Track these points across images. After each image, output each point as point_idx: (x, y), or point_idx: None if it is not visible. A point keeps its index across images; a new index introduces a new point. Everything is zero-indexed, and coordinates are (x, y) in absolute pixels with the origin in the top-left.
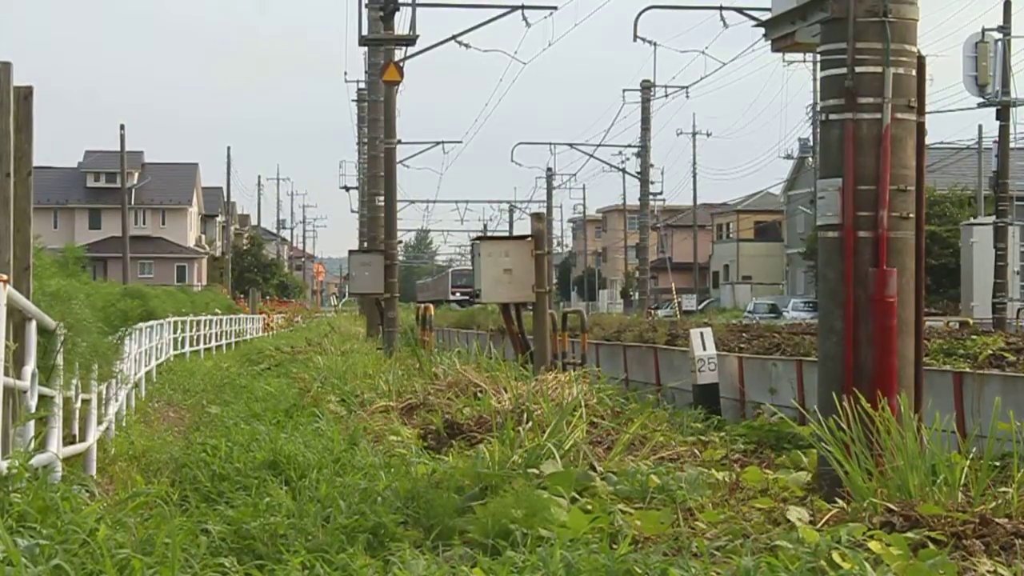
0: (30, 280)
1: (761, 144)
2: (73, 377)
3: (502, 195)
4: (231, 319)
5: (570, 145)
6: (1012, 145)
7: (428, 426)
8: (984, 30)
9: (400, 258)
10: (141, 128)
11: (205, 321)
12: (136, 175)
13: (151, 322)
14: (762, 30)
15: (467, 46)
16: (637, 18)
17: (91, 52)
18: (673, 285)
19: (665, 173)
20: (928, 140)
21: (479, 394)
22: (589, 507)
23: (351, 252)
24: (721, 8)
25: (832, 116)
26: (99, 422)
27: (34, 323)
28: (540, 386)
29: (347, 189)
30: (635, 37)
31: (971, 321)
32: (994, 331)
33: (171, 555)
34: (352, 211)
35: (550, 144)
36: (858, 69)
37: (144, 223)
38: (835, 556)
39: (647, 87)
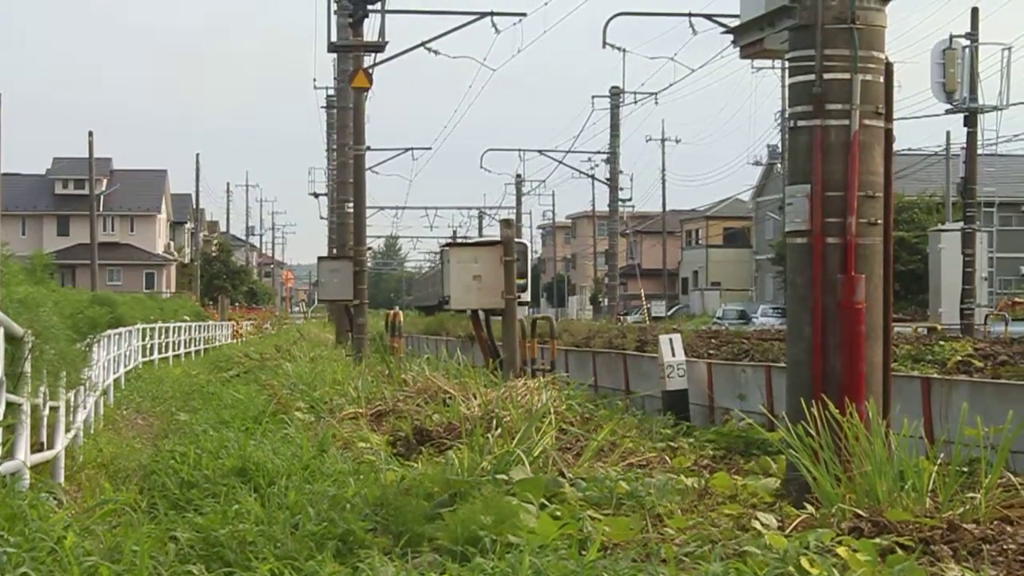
0: None
1: (730, 150)
2: (41, 384)
3: (472, 201)
4: (200, 326)
5: (539, 151)
6: (979, 151)
7: (397, 433)
8: (952, 37)
9: (369, 265)
10: (110, 134)
11: (174, 328)
12: (105, 182)
13: (119, 329)
14: (731, 37)
15: (436, 52)
16: (606, 25)
17: (59, 58)
18: (642, 291)
19: (634, 179)
20: (896, 146)
21: (448, 401)
22: (558, 513)
23: (320, 259)
24: (690, 15)
25: (800, 122)
26: (67, 429)
27: (1, 330)
28: (509, 392)
29: (316, 196)
30: (604, 44)
31: (939, 327)
32: (962, 337)
33: (139, 563)
34: (321, 218)
35: (519, 150)
36: (826, 76)
37: (113, 230)
38: (803, 562)
39: (616, 93)
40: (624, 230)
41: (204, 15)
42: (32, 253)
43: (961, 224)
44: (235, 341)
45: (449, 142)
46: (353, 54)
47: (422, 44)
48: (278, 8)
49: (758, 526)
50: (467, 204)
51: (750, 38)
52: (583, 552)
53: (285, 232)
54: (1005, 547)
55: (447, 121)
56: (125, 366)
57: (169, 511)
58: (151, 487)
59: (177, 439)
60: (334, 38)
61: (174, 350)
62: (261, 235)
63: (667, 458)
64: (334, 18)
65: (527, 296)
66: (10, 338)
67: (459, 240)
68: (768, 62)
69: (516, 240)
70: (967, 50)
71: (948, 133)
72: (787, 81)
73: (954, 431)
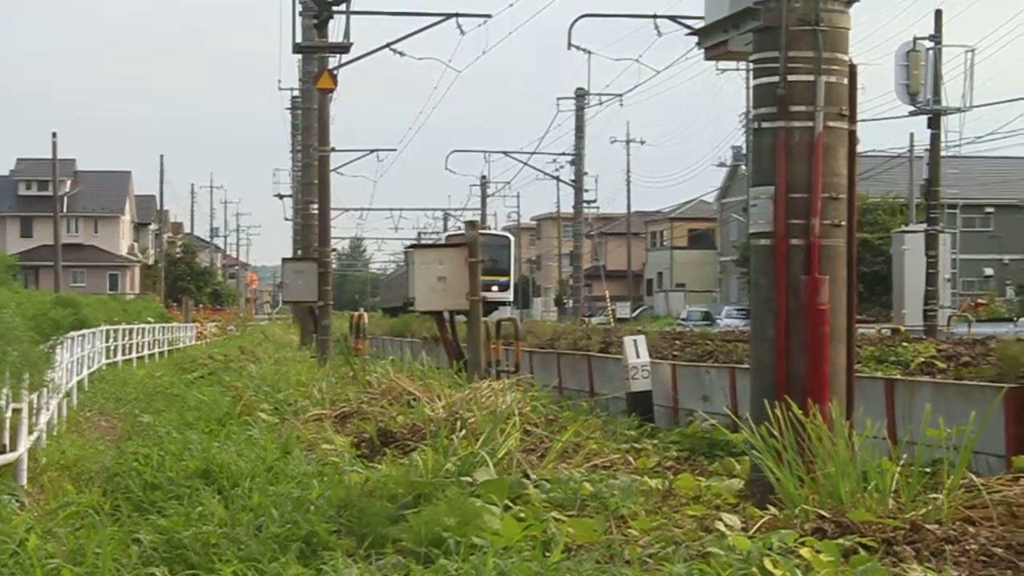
0: None
1: (695, 152)
2: (3, 386)
3: (437, 203)
4: (164, 327)
5: (504, 153)
6: (943, 153)
7: (361, 434)
8: (915, 39)
9: (334, 266)
10: (74, 135)
11: (138, 330)
12: (68, 183)
13: (83, 331)
14: (696, 38)
15: (401, 54)
16: (571, 26)
17: (22, 58)
18: (607, 293)
19: (599, 181)
20: (860, 148)
21: (413, 402)
22: (522, 515)
23: (285, 260)
24: (655, 16)
25: (765, 124)
26: (30, 431)
27: None
28: (474, 394)
29: (281, 197)
30: (569, 45)
31: (903, 328)
32: (925, 338)
33: (102, 565)
34: (286, 219)
35: (484, 152)
36: (790, 77)
37: (76, 231)
38: (767, 563)
39: (581, 95)
40: (589, 231)
41: (171, 15)
42: None
43: (925, 226)
44: (199, 343)
45: (414, 144)
46: (318, 55)
47: (387, 45)
48: (244, 9)
49: (722, 527)
50: (432, 206)
51: (715, 40)
52: (547, 554)
53: (250, 233)
54: (967, 547)
55: (412, 123)
56: (89, 368)
57: (132, 513)
58: (114, 489)
59: (141, 441)
60: (299, 39)
61: (138, 352)
62: (226, 236)
63: (631, 459)
64: (299, 19)
65: (510, 295)
66: None
67: (425, 242)
68: (733, 64)
69: (499, 232)
70: (931, 52)
71: (912, 135)
72: (751, 83)
73: (917, 432)
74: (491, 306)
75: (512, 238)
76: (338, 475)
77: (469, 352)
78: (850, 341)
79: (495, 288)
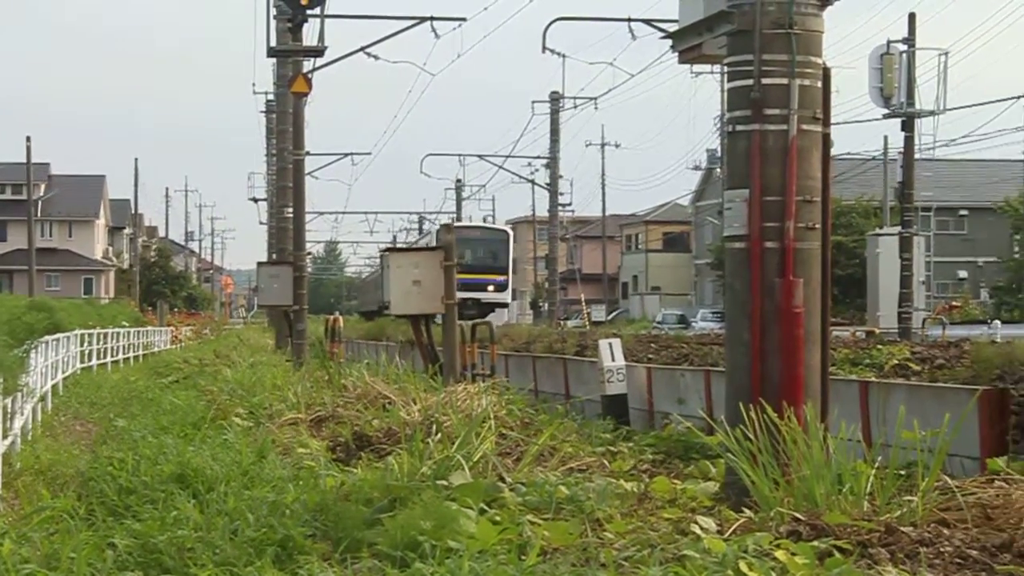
0: None
1: (670, 155)
2: None
3: (412, 206)
4: (139, 332)
5: (479, 156)
6: (917, 156)
7: (337, 438)
8: (889, 42)
9: (309, 270)
10: (49, 139)
11: (112, 334)
12: (43, 187)
13: (57, 335)
14: (670, 42)
15: (376, 57)
16: (546, 30)
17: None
18: (582, 296)
19: (574, 184)
20: (834, 151)
21: (388, 406)
22: (498, 518)
23: (260, 264)
24: (629, 20)
25: (739, 127)
26: (4, 436)
27: None
28: (449, 398)
29: (256, 201)
30: (544, 48)
31: (877, 331)
32: (900, 341)
33: (77, 569)
34: (261, 223)
35: (459, 155)
36: (764, 81)
37: (51, 236)
38: (742, 566)
39: (556, 98)
40: (564, 235)
41: (141, 16)
42: None
43: (899, 228)
44: (174, 347)
45: (389, 147)
46: (292, 59)
47: (361, 49)
48: (221, 12)
49: (697, 530)
50: (407, 209)
51: (689, 43)
52: (523, 557)
53: (224, 237)
54: (942, 549)
55: (387, 126)
56: (63, 372)
57: (107, 518)
58: (89, 494)
59: (115, 445)
60: (273, 43)
61: (113, 356)
62: (200, 240)
63: (607, 462)
64: (273, 23)
65: (507, 295)
66: None
67: (400, 245)
68: (707, 67)
69: (497, 227)
70: (904, 55)
71: (886, 138)
72: (726, 86)
73: (891, 434)
74: (487, 308)
75: (511, 232)
76: (313, 479)
77: (444, 356)
78: (824, 344)
79: (491, 288)
